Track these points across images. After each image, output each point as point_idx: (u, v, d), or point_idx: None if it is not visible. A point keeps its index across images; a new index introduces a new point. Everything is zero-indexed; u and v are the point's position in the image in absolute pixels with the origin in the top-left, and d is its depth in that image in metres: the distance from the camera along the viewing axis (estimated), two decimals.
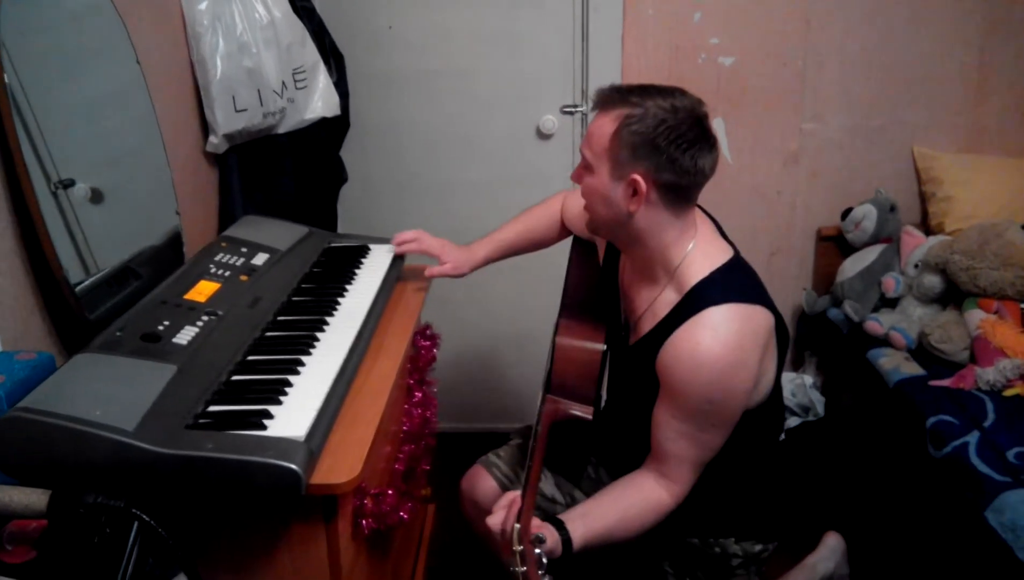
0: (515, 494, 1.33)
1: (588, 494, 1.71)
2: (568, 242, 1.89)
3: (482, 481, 1.78)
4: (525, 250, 1.93)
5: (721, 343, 1.32)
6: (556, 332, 1.53)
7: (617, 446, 1.68)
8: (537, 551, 1.23)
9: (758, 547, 1.59)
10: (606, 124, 1.36)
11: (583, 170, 1.42)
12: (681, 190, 1.35)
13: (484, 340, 3.01)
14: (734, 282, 1.39)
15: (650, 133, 1.31)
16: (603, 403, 1.72)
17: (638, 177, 1.33)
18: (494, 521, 1.32)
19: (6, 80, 1.33)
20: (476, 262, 1.87)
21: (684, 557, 1.61)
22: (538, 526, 1.31)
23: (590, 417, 1.49)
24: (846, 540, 2.28)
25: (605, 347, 1.51)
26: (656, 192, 1.35)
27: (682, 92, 1.36)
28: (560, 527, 1.35)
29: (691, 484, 1.43)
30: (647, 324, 1.45)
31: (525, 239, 1.91)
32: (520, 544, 1.23)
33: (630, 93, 1.36)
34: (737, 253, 1.47)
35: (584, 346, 1.50)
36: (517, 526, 1.25)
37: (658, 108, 1.32)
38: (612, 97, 1.37)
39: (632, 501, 1.42)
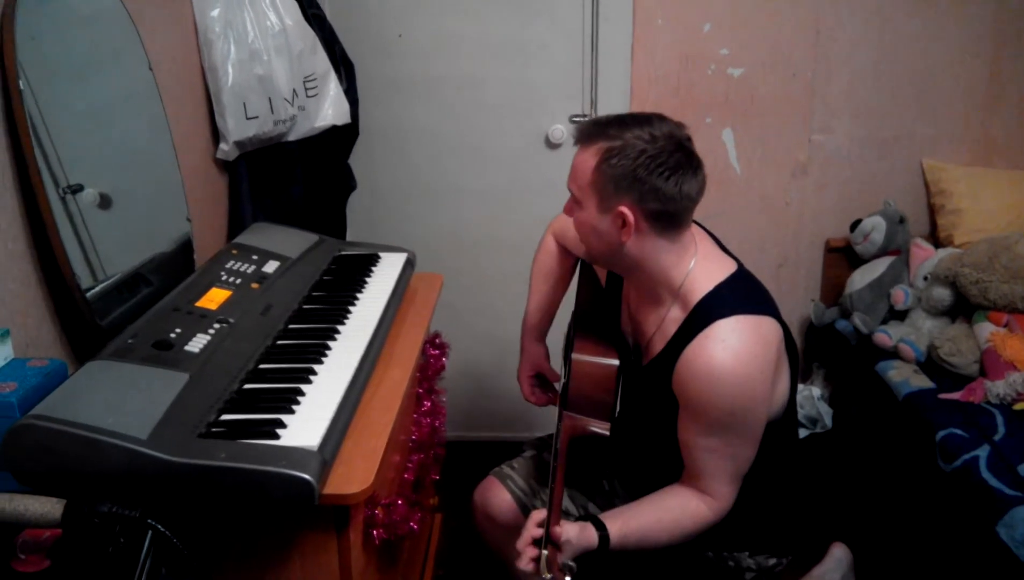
0: (542, 514, 1.33)
1: (602, 507, 1.71)
2: None
3: (496, 494, 1.77)
4: (561, 295, 1.92)
5: (733, 354, 1.32)
6: (571, 348, 1.53)
7: (632, 463, 1.67)
8: (567, 579, 1.22)
9: (772, 561, 1.58)
10: (588, 159, 1.36)
11: (573, 204, 1.43)
12: (669, 216, 1.35)
13: (491, 349, 3.00)
14: (739, 294, 1.39)
15: (630, 165, 1.31)
16: (616, 417, 1.71)
17: (624, 209, 1.33)
18: (523, 544, 1.32)
19: (20, 86, 1.33)
20: (540, 346, 1.90)
21: (698, 571, 1.60)
22: (574, 524, 1.32)
23: (608, 433, 1.48)
24: (853, 552, 2.27)
25: (619, 362, 1.50)
26: (645, 221, 1.35)
27: (661, 118, 1.36)
28: (598, 525, 1.36)
29: (731, 498, 1.42)
30: (658, 344, 1.45)
31: (553, 288, 1.90)
32: (549, 572, 1.22)
33: (608, 126, 1.36)
34: (741, 266, 1.46)
35: (600, 362, 1.50)
36: (545, 553, 1.24)
37: (636, 139, 1.32)
38: (591, 131, 1.37)
39: (670, 505, 1.42)
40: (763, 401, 1.36)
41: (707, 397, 1.33)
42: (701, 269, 1.40)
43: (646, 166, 1.30)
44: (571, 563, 1.28)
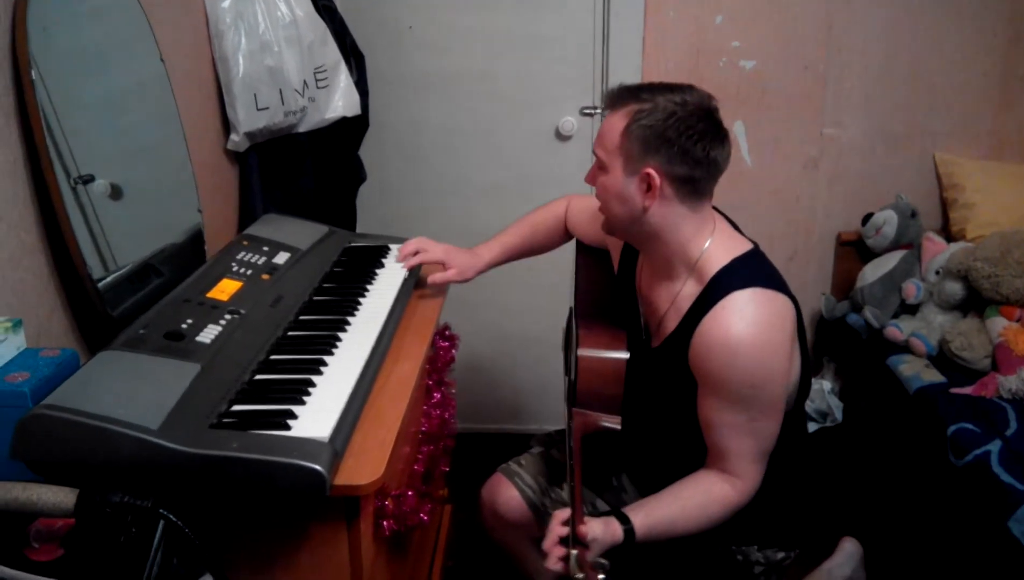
0: (565, 514, 1.32)
1: (611, 504, 1.71)
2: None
3: (504, 491, 1.77)
4: (529, 254, 1.93)
5: (750, 324, 1.32)
6: (577, 344, 1.51)
7: (640, 452, 1.67)
8: (601, 577, 1.21)
9: (780, 555, 1.57)
10: (617, 121, 1.36)
11: (597, 170, 1.43)
12: (695, 183, 1.35)
13: (499, 341, 3.01)
14: (755, 269, 1.39)
15: (660, 125, 1.32)
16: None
17: (651, 171, 1.33)
18: (549, 545, 1.31)
19: (32, 77, 1.33)
20: (481, 267, 1.86)
21: (706, 565, 1.60)
22: (599, 520, 1.32)
23: (619, 427, 1.47)
24: (863, 546, 2.27)
25: (628, 355, 1.49)
26: (670, 186, 1.35)
27: (691, 87, 1.37)
28: (622, 518, 1.35)
29: (758, 478, 1.41)
30: (671, 322, 1.44)
31: (529, 243, 1.91)
32: (581, 572, 1.21)
33: (640, 90, 1.37)
34: (757, 247, 1.46)
35: (608, 356, 1.49)
36: (574, 552, 1.24)
37: (668, 102, 1.33)
38: (622, 95, 1.38)
39: (694, 492, 1.41)
40: (782, 372, 1.35)
41: (726, 369, 1.32)
42: (718, 245, 1.40)
43: (676, 128, 1.31)
44: (603, 560, 1.27)
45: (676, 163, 1.33)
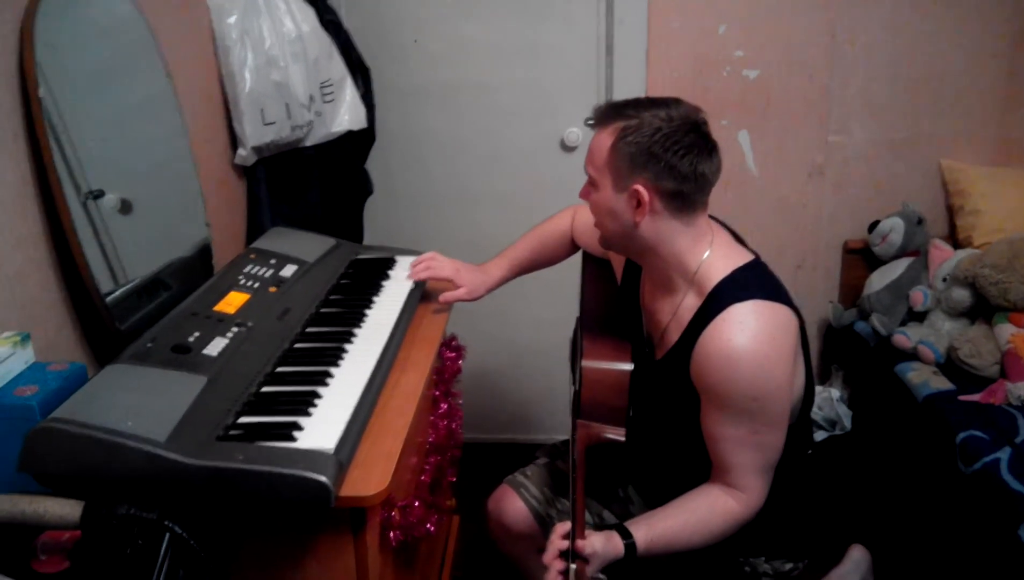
0: (566, 527, 1.32)
1: (618, 515, 1.70)
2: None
3: (510, 502, 1.76)
4: (537, 268, 1.93)
5: (751, 337, 1.31)
6: (581, 355, 1.51)
7: (645, 464, 1.67)
8: None
9: (788, 566, 1.56)
10: (604, 138, 1.37)
11: (589, 187, 1.43)
12: (684, 197, 1.35)
13: (505, 352, 3.01)
14: (755, 280, 1.38)
15: (646, 142, 1.32)
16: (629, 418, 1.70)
17: (639, 187, 1.34)
18: (549, 558, 1.31)
19: (40, 94, 1.35)
20: (491, 284, 1.87)
21: (714, 577, 1.59)
22: (599, 534, 1.32)
23: (623, 439, 1.47)
24: (872, 555, 2.26)
25: (633, 366, 1.49)
26: (660, 201, 1.35)
27: (677, 101, 1.37)
28: (623, 532, 1.35)
29: (762, 491, 1.40)
30: (673, 334, 1.44)
31: (538, 257, 1.91)
32: None
33: (626, 107, 1.37)
34: (758, 257, 1.46)
35: (612, 368, 1.48)
36: (573, 567, 1.24)
37: (653, 117, 1.33)
38: (609, 112, 1.39)
39: (697, 506, 1.40)
40: (785, 384, 1.34)
41: (728, 382, 1.32)
42: (717, 256, 1.40)
43: (661, 144, 1.31)
44: (602, 576, 1.27)
45: (664, 178, 1.33)
